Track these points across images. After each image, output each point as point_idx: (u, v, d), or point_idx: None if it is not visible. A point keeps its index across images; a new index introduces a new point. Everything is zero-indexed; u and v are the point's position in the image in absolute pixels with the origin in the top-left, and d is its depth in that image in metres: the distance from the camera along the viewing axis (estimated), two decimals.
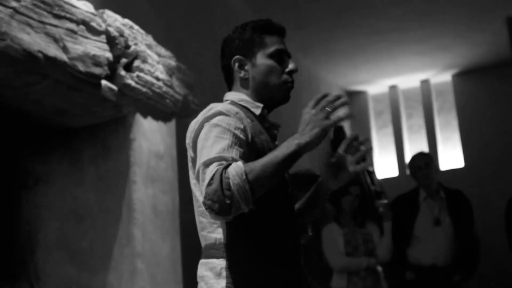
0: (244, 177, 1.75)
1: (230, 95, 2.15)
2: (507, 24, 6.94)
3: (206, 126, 1.95)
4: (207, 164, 1.82)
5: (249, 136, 1.96)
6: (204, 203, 1.78)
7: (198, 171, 1.86)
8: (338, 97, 1.89)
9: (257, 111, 2.09)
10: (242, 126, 1.94)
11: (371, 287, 4.73)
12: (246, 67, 2.12)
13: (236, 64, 2.13)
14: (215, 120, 1.94)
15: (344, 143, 2.17)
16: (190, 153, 2.03)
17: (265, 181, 1.80)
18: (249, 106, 2.09)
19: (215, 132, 1.90)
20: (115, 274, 3.49)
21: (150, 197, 3.61)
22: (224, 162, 1.80)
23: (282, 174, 1.91)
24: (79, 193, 3.61)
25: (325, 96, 1.90)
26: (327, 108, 1.87)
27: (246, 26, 2.16)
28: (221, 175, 1.75)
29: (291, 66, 2.15)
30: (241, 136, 1.92)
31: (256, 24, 2.16)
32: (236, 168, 1.77)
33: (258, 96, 2.12)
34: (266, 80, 2.12)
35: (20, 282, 3.65)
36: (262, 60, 2.12)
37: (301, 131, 1.87)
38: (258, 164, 1.80)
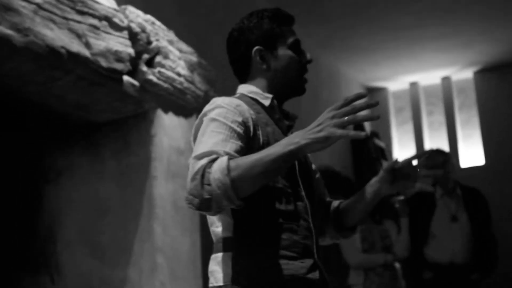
0: (226, 172, 1.68)
1: (241, 88, 2.13)
2: None
3: (205, 120, 1.91)
4: (197, 157, 1.76)
5: (251, 128, 1.92)
6: (186, 197, 1.74)
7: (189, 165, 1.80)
8: (367, 106, 1.78)
9: (266, 102, 2.06)
10: (240, 119, 1.89)
11: (388, 284, 4.72)
12: (267, 59, 2.09)
13: (258, 55, 2.09)
14: (212, 114, 1.90)
15: (423, 155, 2.14)
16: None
17: (251, 180, 1.72)
18: (258, 98, 2.06)
19: (212, 127, 1.86)
20: (135, 268, 3.51)
21: (171, 193, 3.62)
22: (214, 156, 1.75)
23: (275, 174, 1.85)
24: (100, 187, 3.63)
25: (354, 101, 1.78)
26: (346, 118, 1.73)
27: (262, 16, 2.12)
28: (204, 169, 1.70)
29: (308, 56, 2.14)
30: (239, 129, 1.87)
31: (273, 14, 2.12)
32: (220, 163, 1.70)
33: (275, 87, 2.09)
34: (287, 72, 2.09)
35: (41, 275, 3.69)
36: (283, 51, 2.10)
37: (308, 129, 1.75)
38: (247, 160, 1.72)
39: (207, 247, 3.81)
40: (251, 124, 1.93)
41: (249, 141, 1.90)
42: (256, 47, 2.08)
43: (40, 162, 3.78)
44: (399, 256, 4.83)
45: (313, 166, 2.26)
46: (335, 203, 2.28)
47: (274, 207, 1.92)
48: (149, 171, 3.53)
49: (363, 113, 1.83)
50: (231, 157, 1.75)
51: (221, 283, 1.90)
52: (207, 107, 1.97)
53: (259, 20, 2.11)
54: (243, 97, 2.04)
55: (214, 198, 1.69)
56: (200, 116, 1.97)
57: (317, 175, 2.27)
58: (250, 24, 2.11)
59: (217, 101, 1.96)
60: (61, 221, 3.70)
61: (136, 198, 3.54)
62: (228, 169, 1.69)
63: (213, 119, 1.89)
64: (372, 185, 2.17)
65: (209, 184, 1.69)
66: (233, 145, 1.82)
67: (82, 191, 3.68)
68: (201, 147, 1.81)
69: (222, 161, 1.71)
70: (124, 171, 3.60)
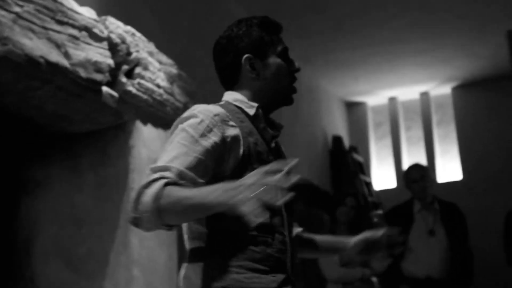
0: (154, 199, 1.68)
1: (227, 95, 2.09)
2: (507, 37, 6.96)
3: (178, 128, 1.90)
4: (152, 170, 1.77)
5: (228, 139, 1.89)
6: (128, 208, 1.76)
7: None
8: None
9: (251, 111, 2.02)
10: (214, 132, 1.87)
11: None
12: (256, 67, 2.06)
13: (248, 63, 2.06)
14: (185, 123, 1.89)
15: (385, 235, 2.23)
16: None
17: (175, 214, 1.72)
18: (243, 106, 2.03)
19: (179, 137, 1.85)
20: (112, 281, 3.48)
21: None
22: (166, 174, 1.73)
23: (196, 216, 1.84)
24: (78, 199, 3.60)
25: (288, 175, 1.62)
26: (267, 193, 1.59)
27: (251, 23, 2.09)
28: (143, 187, 1.71)
29: (297, 65, 2.12)
30: (206, 143, 1.84)
31: (261, 22, 2.10)
32: (155, 188, 1.69)
33: (264, 96, 2.06)
34: (277, 80, 2.07)
35: (17, 286, 3.65)
36: (272, 59, 2.08)
37: (231, 187, 1.64)
38: (179, 193, 1.69)
39: (184, 260, 3.80)
40: (230, 134, 1.91)
41: (222, 154, 1.88)
42: (246, 55, 2.05)
43: (18, 173, 3.74)
44: (376, 270, 4.84)
45: None
46: (297, 229, 2.26)
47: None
48: (127, 182, 3.51)
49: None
50: (173, 181, 1.73)
51: None
52: (185, 114, 1.95)
53: (248, 27, 2.08)
54: (227, 105, 2.02)
55: (139, 220, 1.73)
56: (176, 122, 1.95)
57: None
58: (239, 32, 2.08)
59: (196, 109, 1.94)
60: (37, 233, 3.66)
61: (114, 210, 3.52)
62: (158, 196, 1.68)
63: (183, 129, 1.88)
64: (338, 243, 2.30)
65: (140, 204, 1.70)
66: (193, 160, 1.80)
67: (59, 202, 3.64)
68: (162, 157, 1.82)
69: (157, 186, 1.70)
70: (102, 183, 3.58)
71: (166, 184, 1.71)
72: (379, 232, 2.28)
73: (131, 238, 3.47)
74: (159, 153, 1.88)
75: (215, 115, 1.91)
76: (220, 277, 1.86)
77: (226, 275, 1.86)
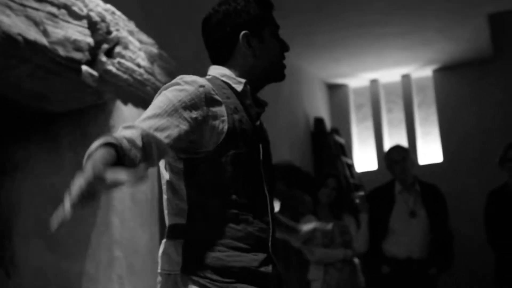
0: (87, 154, 1.65)
1: (213, 70, 2.06)
2: (488, 20, 6.99)
3: (160, 94, 1.91)
4: (123, 127, 1.76)
5: (209, 114, 1.87)
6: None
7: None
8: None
9: (239, 87, 2.00)
10: (195, 101, 1.85)
11: (348, 279, 4.75)
12: (253, 44, 2.04)
13: (245, 40, 2.03)
14: (168, 90, 1.89)
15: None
16: None
17: None
18: (230, 82, 2.00)
19: (158, 100, 1.86)
20: (93, 261, 3.47)
21: None
22: (125, 132, 1.71)
23: None
24: (57, 179, 3.57)
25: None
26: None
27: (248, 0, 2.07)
28: (96, 146, 1.65)
29: (287, 45, 2.12)
30: (185, 113, 1.82)
31: None
32: (93, 145, 1.65)
33: (255, 73, 2.05)
34: (270, 59, 2.07)
35: None
36: (268, 38, 2.07)
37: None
38: (94, 157, 1.62)
39: (164, 237, 3.79)
40: (213, 110, 1.89)
41: (202, 128, 1.86)
42: (244, 31, 2.03)
43: None
44: (358, 251, 4.86)
45: None
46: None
47: (230, 197, 1.89)
48: None
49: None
50: (128, 139, 1.67)
51: (170, 270, 1.89)
52: (171, 82, 1.93)
53: (246, 3, 2.05)
54: (214, 79, 1.99)
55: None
56: (161, 89, 1.94)
57: None
58: (237, 7, 2.04)
59: (182, 78, 1.92)
60: (17, 214, 3.63)
61: None
62: (89, 154, 1.64)
63: (164, 95, 1.88)
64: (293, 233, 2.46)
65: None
66: (164, 123, 1.79)
67: (39, 183, 3.62)
68: (141, 117, 1.82)
69: (94, 145, 1.65)
70: (82, 163, 3.54)
71: (110, 144, 1.64)
72: (328, 225, 2.37)
73: (112, 218, 3.45)
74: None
75: (200, 86, 1.89)
76: (201, 255, 1.85)
77: (207, 253, 1.85)
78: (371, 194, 5.21)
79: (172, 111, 1.82)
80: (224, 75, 2.02)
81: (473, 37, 7.35)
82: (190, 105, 1.85)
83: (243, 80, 2.02)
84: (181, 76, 1.94)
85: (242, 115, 1.96)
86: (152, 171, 3.76)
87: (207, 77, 2.03)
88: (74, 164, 3.57)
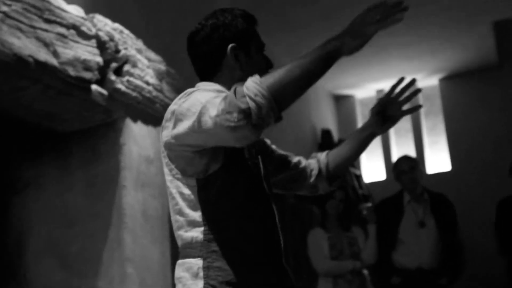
0: (258, 82, 1.67)
1: (204, 86, 2.03)
2: (493, 28, 7.00)
3: (181, 103, 1.85)
4: (208, 102, 1.73)
5: None
6: (215, 123, 1.67)
7: (197, 123, 1.73)
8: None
9: None
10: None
11: None
12: (239, 57, 2.03)
13: (233, 53, 2.02)
14: (191, 96, 1.85)
15: (390, 89, 2.25)
16: (163, 149, 1.96)
17: (289, 85, 1.69)
18: None
19: (196, 94, 1.83)
20: (105, 279, 3.48)
21: (140, 202, 3.61)
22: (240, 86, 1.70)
23: (315, 77, 1.79)
24: (69, 197, 3.60)
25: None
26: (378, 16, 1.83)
27: (235, 14, 2.07)
28: (233, 91, 1.67)
29: (271, 62, 2.11)
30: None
31: (244, 14, 2.09)
32: (249, 81, 1.68)
33: None
34: (256, 73, 1.99)
35: (9, 287, 3.64)
36: (254, 52, 2.07)
37: (344, 32, 1.83)
38: (278, 70, 1.70)
39: (177, 257, 3.80)
40: None
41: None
42: (232, 45, 2.02)
43: (8, 173, 3.73)
44: (367, 262, 4.86)
45: (274, 147, 2.29)
46: (321, 155, 2.32)
47: (245, 212, 1.90)
48: (119, 180, 3.51)
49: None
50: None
51: None
52: (181, 98, 1.89)
53: (234, 17, 2.06)
54: None
55: (254, 108, 1.64)
56: (170, 109, 1.91)
57: (276, 153, 2.28)
58: (225, 21, 2.05)
59: (188, 92, 1.90)
60: (29, 232, 3.65)
61: (105, 207, 3.52)
62: (260, 80, 1.67)
63: (193, 92, 1.85)
64: (364, 129, 2.28)
65: (243, 96, 1.65)
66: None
67: (50, 201, 3.64)
68: (196, 103, 1.77)
69: (250, 79, 1.68)
70: (93, 181, 3.57)
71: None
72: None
73: (124, 235, 3.47)
74: (179, 116, 1.82)
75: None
76: (220, 274, 1.85)
77: (227, 271, 1.85)
78: (380, 205, 5.21)
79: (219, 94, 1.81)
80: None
81: (478, 45, 7.36)
82: None
83: None
84: (186, 91, 1.92)
85: None
86: (162, 188, 3.79)
87: None
88: (84, 182, 3.60)
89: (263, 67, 2.08)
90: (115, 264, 3.46)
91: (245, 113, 1.64)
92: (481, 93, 8.11)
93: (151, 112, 3.72)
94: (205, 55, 2.06)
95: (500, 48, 7.61)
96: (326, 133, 8.05)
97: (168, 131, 1.90)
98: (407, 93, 2.25)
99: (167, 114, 1.92)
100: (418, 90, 2.29)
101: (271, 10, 5.99)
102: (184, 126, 1.80)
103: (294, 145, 7.12)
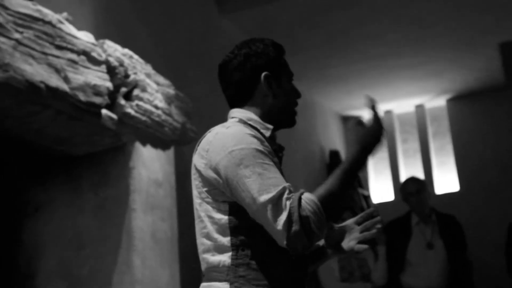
0: (320, 210, 1.80)
1: (238, 113, 2.08)
2: (500, 49, 7.02)
3: (235, 151, 1.88)
4: (273, 201, 1.79)
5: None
6: (287, 245, 1.79)
7: (263, 209, 1.80)
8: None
9: (267, 133, 2.03)
10: (262, 149, 1.90)
11: None
12: (272, 85, 2.08)
13: (266, 81, 2.07)
14: (244, 143, 1.89)
15: (361, 216, 2.30)
16: (204, 171, 1.95)
17: (334, 205, 1.88)
18: (258, 127, 2.03)
19: (254, 159, 1.86)
20: None
21: (150, 225, 3.64)
22: (289, 195, 1.80)
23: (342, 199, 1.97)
24: (79, 220, 3.63)
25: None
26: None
27: (266, 43, 2.12)
28: (299, 216, 1.76)
29: (299, 92, 2.17)
30: (269, 160, 1.89)
31: (273, 43, 2.14)
32: (312, 204, 1.79)
33: (270, 117, 2.07)
34: (287, 102, 2.11)
35: None
36: (286, 82, 2.12)
37: (363, 147, 2.11)
38: (321, 191, 1.86)
39: (186, 279, 3.83)
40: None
41: None
42: (265, 73, 2.07)
43: (19, 196, 3.77)
44: (376, 284, 4.86)
45: None
46: None
47: (270, 238, 1.88)
48: (128, 203, 3.54)
49: None
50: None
51: None
52: (225, 144, 1.93)
53: (265, 46, 2.11)
54: (243, 124, 2.02)
55: (315, 240, 1.82)
56: (223, 146, 1.92)
57: None
58: (258, 50, 2.09)
59: (233, 127, 1.97)
60: (40, 255, 3.68)
61: (115, 230, 3.55)
62: (319, 206, 1.81)
63: (255, 150, 1.89)
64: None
65: (311, 231, 1.79)
66: (279, 175, 1.89)
67: (61, 224, 3.67)
68: (258, 183, 1.83)
69: (313, 201, 1.81)
70: (103, 204, 3.61)
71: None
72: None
73: (133, 258, 3.49)
74: (239, 180, 1.86)
75: (253, 135, 1.94)
76: None
77: None
78: (388, 226, 5.22)
79: (272, 162, 1.91)
80: (250, 119, 2.05)
81: (485, 66, 7.38)
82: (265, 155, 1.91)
83: (271, 126, 2.05)
84: (216, 130, 1.99)
85: (276, 160, 1.98)
86: (171, 211, 3.82)
87: (234, 119, 2.06)
88: (94, 205, 3.64)
89: (293, 97, 2.14)
90: (125, 286, 3.48)
91: (309, 246, 1.83)
92: (489, 114, 8.12)
93: (160, 136, 3.76)
94: (238, 82, 2.10)
95: (506, 69, 7.62)
96: (335, 154, 8.07)
97: (212, 161, 1.94)
98: (368, 224, 2.31)
99: (210, 146, 1.96)
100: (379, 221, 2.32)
101: (278, 33, 6.03)
102: (243, 187, 1.86)
103: (303, 166, 7.15)
